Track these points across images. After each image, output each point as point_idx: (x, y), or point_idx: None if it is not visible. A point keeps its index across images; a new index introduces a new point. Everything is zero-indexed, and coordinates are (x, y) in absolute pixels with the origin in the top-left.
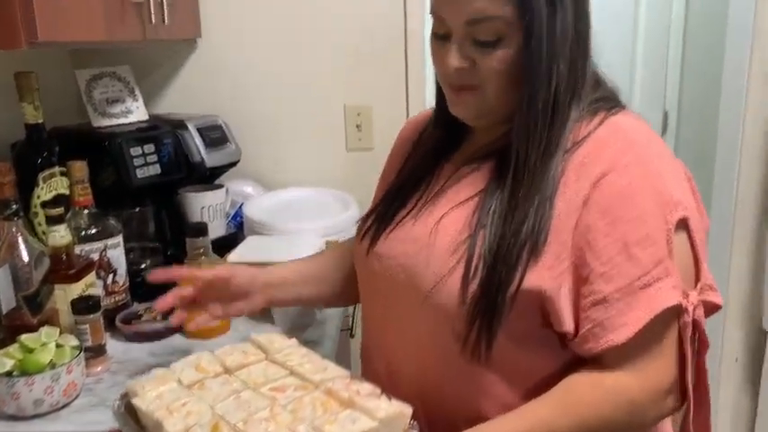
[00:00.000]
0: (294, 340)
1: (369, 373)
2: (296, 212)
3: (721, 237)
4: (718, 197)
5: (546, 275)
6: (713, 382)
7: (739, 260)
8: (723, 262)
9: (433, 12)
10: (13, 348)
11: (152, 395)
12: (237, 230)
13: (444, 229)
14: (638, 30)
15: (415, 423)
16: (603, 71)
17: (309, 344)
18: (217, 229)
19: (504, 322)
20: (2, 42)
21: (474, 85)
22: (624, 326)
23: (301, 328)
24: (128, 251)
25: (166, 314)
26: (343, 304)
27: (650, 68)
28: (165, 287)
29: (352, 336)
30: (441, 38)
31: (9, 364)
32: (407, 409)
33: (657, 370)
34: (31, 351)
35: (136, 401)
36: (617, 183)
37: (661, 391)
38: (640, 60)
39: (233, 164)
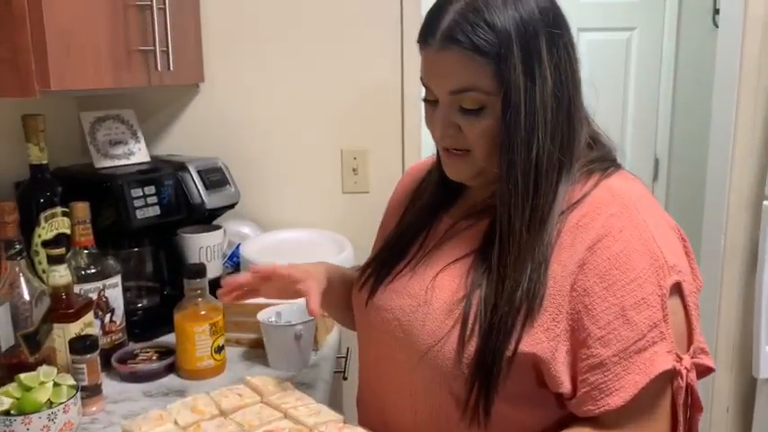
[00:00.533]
0: (288, 383)
1: (364, 421)
2: (292, 254)
3: (710, 284)
4: (708, 243)
5: (542, 338)
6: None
7: (728, 307)
8: (712, 309)
9: (422, 80)
10: (11, 387)
11: None
12: (234, 271)
13: (441, 287)
14: (629, 79)
15: None
16: (598, 123)
17: (303, 386)
18: (214, 270)
19: (501, 387)
20: (16, 91)
21: (463, 148)
22: (621, 389)
23: (295, 371)
24: (125, 290)
25: (162, 354)
26: None
27: (641, 117)
28: (162, 325)
29: (345, 378)
30: (431, 103)
31: (7, 402)
32: None
33: None
34: (29, 390)
35: None
36: (613, 247)
37: None
38: (632, 109)
39: (232, 205)
